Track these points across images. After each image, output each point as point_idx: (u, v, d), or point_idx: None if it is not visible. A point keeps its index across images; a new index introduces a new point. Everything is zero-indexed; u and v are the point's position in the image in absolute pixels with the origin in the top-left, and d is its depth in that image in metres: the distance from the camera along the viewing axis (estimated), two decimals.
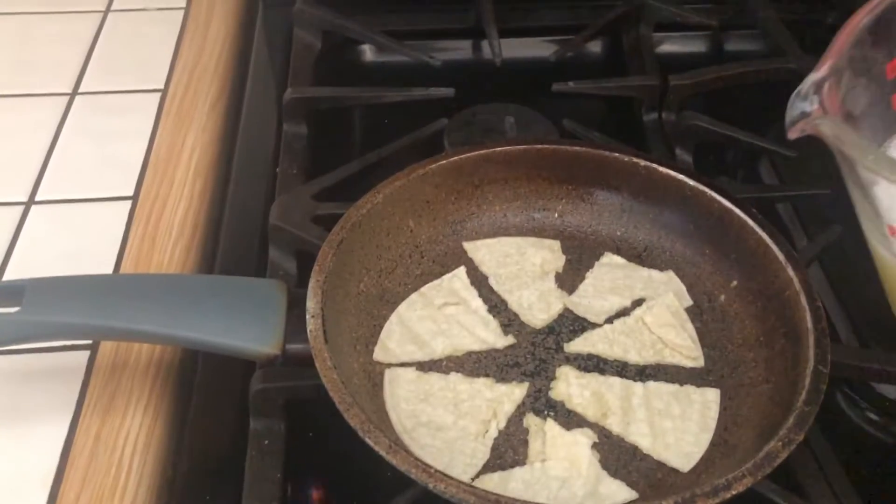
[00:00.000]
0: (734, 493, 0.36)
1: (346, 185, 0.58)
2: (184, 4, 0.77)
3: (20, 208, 0.58)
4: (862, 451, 0.49)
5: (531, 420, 0.43)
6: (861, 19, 0.42)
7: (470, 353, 0.47)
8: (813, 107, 0.39)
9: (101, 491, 0.44)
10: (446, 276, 0.50)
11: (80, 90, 0.68)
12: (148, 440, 0.46)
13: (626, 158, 0.51)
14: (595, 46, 0.76)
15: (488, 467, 0.42)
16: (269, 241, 0.54)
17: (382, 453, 0.37)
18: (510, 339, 0.47)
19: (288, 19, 0.72)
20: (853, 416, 0.51)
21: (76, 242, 0.56)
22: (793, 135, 0.39)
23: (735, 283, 0.49)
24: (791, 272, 0.45)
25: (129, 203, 0.59)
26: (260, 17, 0.76)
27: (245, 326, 0.43)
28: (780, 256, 0.46)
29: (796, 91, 0.40)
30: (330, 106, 0.65)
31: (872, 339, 0.52)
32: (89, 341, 0.50)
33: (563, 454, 0.41)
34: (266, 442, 0.45)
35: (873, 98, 0.44)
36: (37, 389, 0.48)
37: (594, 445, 0.42)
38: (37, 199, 0.59)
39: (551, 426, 0.43)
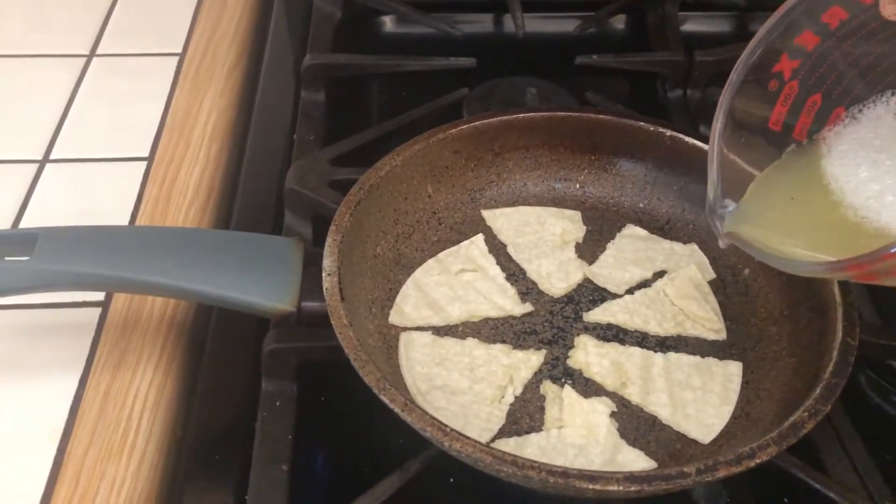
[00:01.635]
0: (758, 461, 0.35)
1: (364, 152, 0.57)
2: None
3: (34, 166, 0.58)
4: (885, 432, 0.48)
5: (548, 387, 0.42)
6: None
7: (487, 320, 0.46)
8: (721, 227, 0.39)
9: (109, 446, 0.43)
10: (464, 243, 0.49)
11: (97, 52, 0.67)
12: (158, 398, 0.45)
13: (652, 128, 0.50)
14: (618, 23, 0.75)
15: (504, 432, 0.41)
16: (284, 204, 0.54)
17: (398, 411, 0.36)
18: (528, 307, 0.46)
19: None
20: (875, 398, 0.50)
21: (90, 201, 0.56)
22: (723, 246, 0.40)
23: None
24: None
25: (144, 164, 0.58)
26: None
27: (260, 282, 0.42)
28: None
29: (707, 207, 0.41)
30: (349, 74, 0.64)
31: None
32: (100, 298, 0.49)
33: (580, 421, 0.40)
34: (277, 403, 0.44)
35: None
36: (47, 345, 0.47)
37: (612, 414, 0.41)
38: (51, 157, 0.58)
39: (569, 393, 0.42)
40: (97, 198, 0.56)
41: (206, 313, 0.49)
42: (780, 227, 0.39)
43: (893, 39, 0.38)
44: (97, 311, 0.49)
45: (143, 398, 0.45)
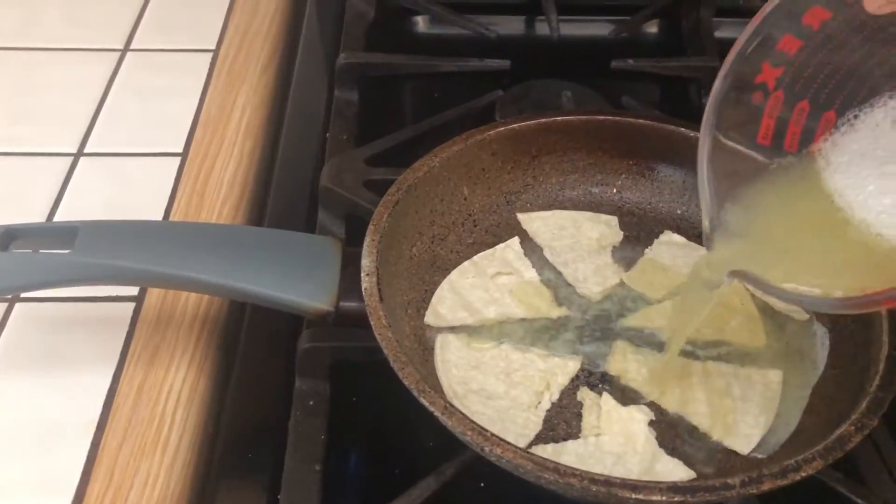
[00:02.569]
0: (803, 475, 0.35)
1: (398, 152, 0.56)
2: None
3: (69, 159, 0.58)
4: None
5: (585, 394, 0.42)
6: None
7: (522, 323, 0.45)
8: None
9: (143, 441, 0.43)
10: (499, 246, 0.49)
11: (131, 47, 0.67)
12: (191, 394, 0.45)
13: (692, 133, 0.50)
14: (652, 28, 0.75)
15: (540, 438, 0.40)
16: (318, 203, 0.53)
17: (438, 414, 0.36)
18: (564, 311, 0.46)
19: None
20: None
21: (124, 195, 0.56)
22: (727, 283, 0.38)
23: None
24: None
25: (178, 159, 0.58)
26: None
27: (299, 281, 0.42)
28: None
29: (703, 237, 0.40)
30: (383, 73, 0.64)
31: None
32: (134, 293, 0.49)
33: (618, 429, 0.40)
34: (311, 402, 0.44)
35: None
36: (82, 339, 0.47)
37: (651, 423, 0.41)
38: (85, 150, 0.59)
39: (607, 400, 0.41)
40: (131, 192, 0.56)
41: (238, 311, 0.49)
42: (788, 253, 0.37)
43: (879, 35, 0.36)
44: (131, 305, 0.49)
45: (176, 394, 0.45)
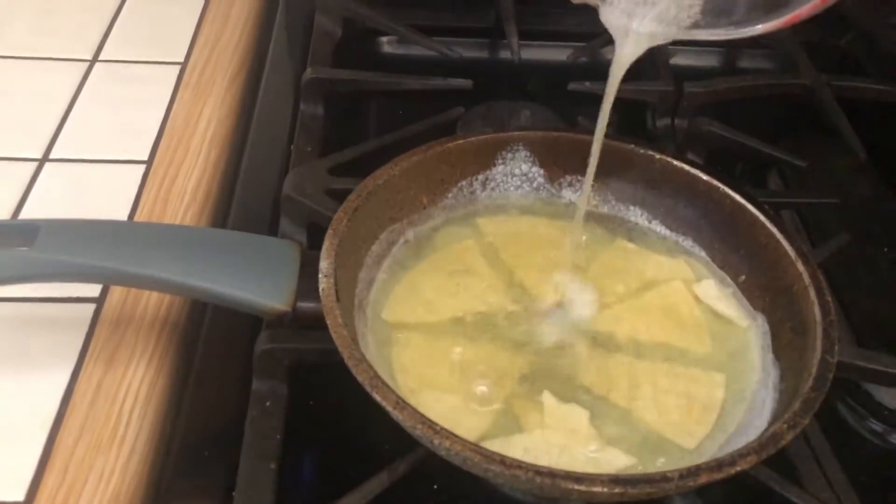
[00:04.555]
0: (738, 469, 0.36)
1: (361, 163, 0.58)
2: None
3: (33, 164, 0.58)
4: (861, 456, 0.50)
5: (534, 390, 0.43)
6: None
7: (478, 321, 0.47)
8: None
9: (99, 438, 0.43)
10: (457, 247, 0.51)
11: (99, 58, 0.68)
12: (150, 393, 0.46)
13: (642, 151, 0.52)
14: (609, 53, 0.77)
15: (489, 434, 0.42)
16: (281, 211, 0.54)
17: (389, 409, 0.37)
18: (519, 310, 0.47)
19: (310, 4, 0.73)
20: (853, 424, 0.51)
21: (88, 201, 0.56)
22: None
23: (743, 277, 0.49)
24: (801, 267, 0.45)
25: (142, 167, 0.59)
26: (282, 1, 0.77)
27: (258, 281, 0.43)
28: (791, 252, 0.46)
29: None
30: (349, 89, 0.66)
31: (873, 348, 0.53)
32: (95, 294, 0.50)
33: (561, 424, 0.41)
34: (268, 403, 0.45)
35: None
36: (41, 337, 0.48)
37: (596, 418, 0.42)
38: (51, 156, 0.59)
39: (548, 397, 0.43)
40: (95, 198, 0.57)
41: (199, 313, 0.50)
42: None
43: None
44: (92, 306, 0.49)
45: (134, 393, 0.46)
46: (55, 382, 0.46)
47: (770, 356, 0.45)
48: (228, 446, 0.43)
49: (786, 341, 0.45)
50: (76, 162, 0.59)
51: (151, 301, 0.50)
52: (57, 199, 0.56)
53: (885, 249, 0.63)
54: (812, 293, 0.44)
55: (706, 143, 0.65)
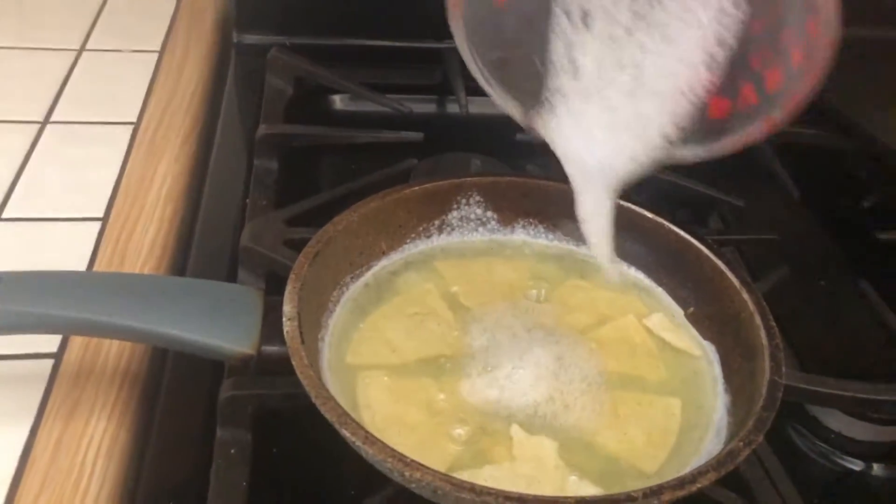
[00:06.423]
0: (699, 486, 0.37)
1: (317, 214, 0.59)
2: (158, 48, 0.79)
3: None
4: (811, 477, 0.52)
5: (500, 423, 0.44)
6: None
7: (440, 359, 0.47)
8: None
9: (60, 493, 0.43)
10: (417, 290, 0.52)
11: (51, 119, 0.69)
12: (112, 445, 0.45)
13: None
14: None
15: (457, 466, 0.42)
16: (239, 262, 0.55)
17: (359, 444, 0.38)
18: (481, 346, 0.48)
19: (261, 64, 0.75)
20: (802, 447, 0.53)
21: (43, 259, 0.56)
22: None
23: (692, 309, 0.51)
24: (746, 295, 0.48)
25: (98, 224, 0.59)
26: (233, 62, 0.79)
27: (221, 326, 0.43)
28: (736, 282, 0.49)
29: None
30: (302, 143, 0.67)
31: (816, 373, 0.55)
32: (53, 349, 0.49)
33: (530, 455, 0.42)
34: (233, 451, 0.45)
35: None
36: None
37: (561, 448, 0.43)
38: (3, 216, 0.59)
39: (517, 430, 0.44)
40: (50, 256, 0.56)
41: (160, 362, 0.50)
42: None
43: None
44: (50, 362, 0.49)
45: (95, 447, 0.45)
46: (13, 438, 0.45)
47: (721, 382, 0.47)
48: (194, 497, 0.43)
49: (736, 367, 0.47)
50: (30, 221, 0.59)
51: (111, 353, 0.49)
52: (11, 259, 0.56)
53: (822, 282, 0.66)
54: (758, 319, 0.46)
55: (648, 187, 0.68)
